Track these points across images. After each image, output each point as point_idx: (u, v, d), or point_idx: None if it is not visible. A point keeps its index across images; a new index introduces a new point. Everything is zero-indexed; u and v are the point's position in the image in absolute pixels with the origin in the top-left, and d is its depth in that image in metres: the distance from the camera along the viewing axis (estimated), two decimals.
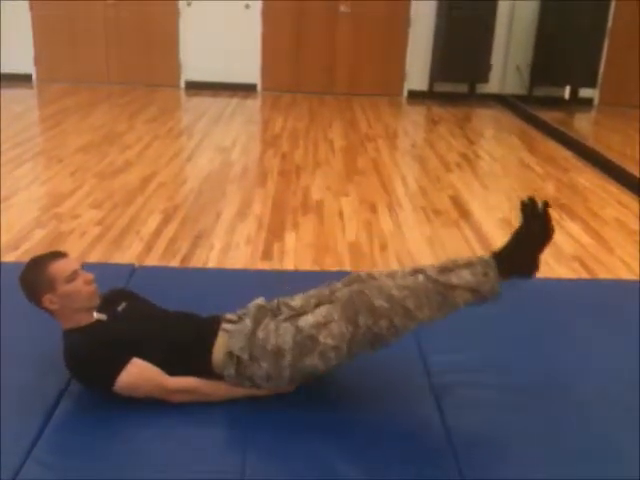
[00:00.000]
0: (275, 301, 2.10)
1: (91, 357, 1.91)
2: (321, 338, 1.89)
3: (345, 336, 1.90)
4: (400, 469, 1.77)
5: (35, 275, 1.95)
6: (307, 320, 1.92)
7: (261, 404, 1.95)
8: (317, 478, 1.73)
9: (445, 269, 1.95)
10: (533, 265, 1.98)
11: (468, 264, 1.95)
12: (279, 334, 1.93)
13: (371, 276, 2.05)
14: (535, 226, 1.97)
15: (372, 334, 1.91)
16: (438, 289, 1.92)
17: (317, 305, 2.02)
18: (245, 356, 1.93)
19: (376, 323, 1.90)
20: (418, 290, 1.92)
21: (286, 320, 1.97)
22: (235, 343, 1.95)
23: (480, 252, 3.61)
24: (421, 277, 1.94)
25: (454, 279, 1.92)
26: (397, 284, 1.93)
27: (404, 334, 1.96)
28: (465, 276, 1.92)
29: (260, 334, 1.95)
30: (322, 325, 1.90)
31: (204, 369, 1.96)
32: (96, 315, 2.02)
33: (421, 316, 1.92)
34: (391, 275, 2.00)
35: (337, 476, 1.73)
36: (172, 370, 1.94)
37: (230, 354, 1.94)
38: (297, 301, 2.07)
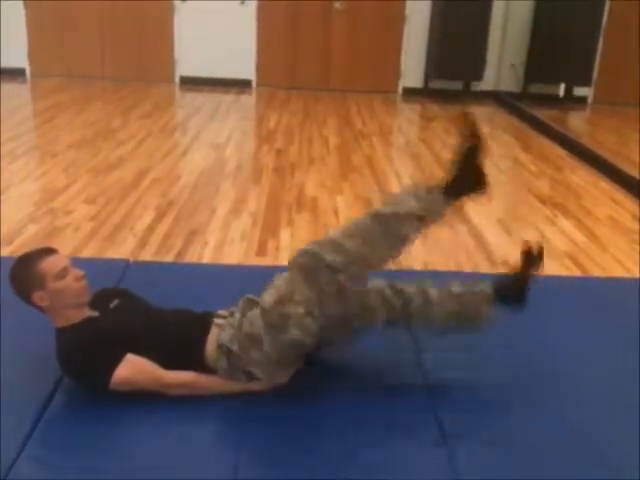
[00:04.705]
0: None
1: (85, 354, 1.91)
2: (290, 310, 1.90)
3: (312, 299, 1.91)
4: (395, 467, 1.77)
5: (25, 272, 1.95)
6: (270, 299, 1.93)
7: (256, 401, 1.95)
8: (311, 475, 1.74)
9: (391, 202, 2.03)
10: (481, 179, 2.09)
11: (412, 192, 2.03)
12: (251, 322, 1.94)
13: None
14: (470, 142, 2.07)
15: (336, 289, 1.93)
16: (385, 227, 1.96)
17: None
18: (235, 347, 1.94)
19: (336, 278, 1.92)
20: (368, 234, 1.96)
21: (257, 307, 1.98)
22: (225, 335, 1.97)
23: (474, 249, 3.62)
24: (366, 219, 1.99)
25: (399, 209, 1.98)
26: (347, 234, 1.96)
27: (366, 279, 2.02)
28: (409, 203, 1.99)
29: (245, 324, 1.96)
30: (286, 298, 1.91)
31: (198, 364, 1.97)
32: (88, 312, 2.01)
33: (377, 259, 1.99)
34: (339, 228, 2.05)
35: (332, 474, 1.73)
36: (166, 366, 1.94)
37: (220, 346, 1.96)
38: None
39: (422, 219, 2.01)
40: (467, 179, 2.07)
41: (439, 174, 5.29)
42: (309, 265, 1.93)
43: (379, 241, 1.96)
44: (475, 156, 2.05)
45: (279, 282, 1.96)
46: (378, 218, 1.98)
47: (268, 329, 1.91)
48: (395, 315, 2.09)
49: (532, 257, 2.14)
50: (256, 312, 1.95)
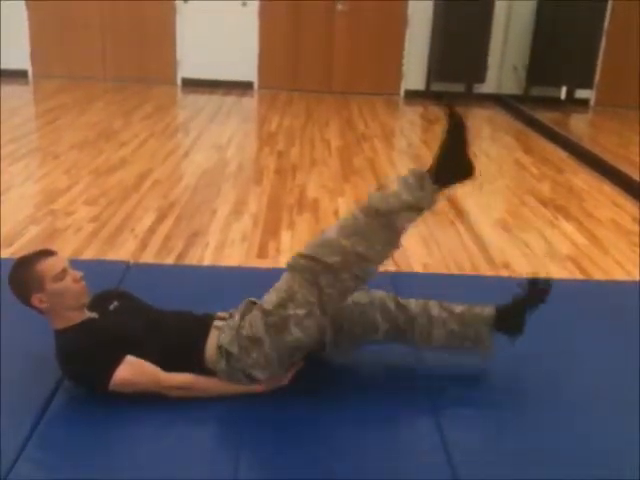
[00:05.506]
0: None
1: (84, 356, 1.90)
2: (291, 311, 1.91)
3: (313, 301, 1.91)
4: (395, 469, 1.77)
5: (23, 274, 1.94)
6: (270, 300, 1.93)
7: (256, 402, 1.95)
8: (311, 476, 1.73)
9: (383, 196, 1.97)
10: (468, 165, 2.02)
11: (403, 183, 1.97)
12: (251, 324, 1.95)
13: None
14: (454, 129, 2.02)
15: (338, 289, 1.93)
16: (381, 221, 1.93)
17: None
18: (234, 349, 1.94)
19: (338, 279, 1.91)
20: (364, 231, 1.93)
21: (257, 308, 1.98)
22: (224, 338, 1.97)
23: (476, 252, 3.62)
24: (360, 215, 1.95)
25: (393, 202, 1.94)
26: (343, 233, 1.93)
27: (369, 276, 1.99)
28: (402, 195, 1.95)
29: (244, 326, 1.97)
30: (287, 300, 1.91)
31: (198, 366, 1.97)
32: (87, 314, 2.01)
33: (375, 255, 1.95)
34: (334, 227, 2.00)
35: (332, 476, 1.73)
36: (166, 367, 1.94)
37: (220, 348, 1.96)
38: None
39: (415, 209, 1.98)
40: (454, 164, 2.06)
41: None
42: (309, 268, 1.93)
43: (376, 237, 1.94)
44: (460, 140, 2.04)
45: (280, 284, 1.97)
46: (372, 213, 1.95)
47: (269, 330, 1.92)
48: (396, 329, 2.12)
49: (538, 284, 2.17)
50: (256, 313, 1.95)
